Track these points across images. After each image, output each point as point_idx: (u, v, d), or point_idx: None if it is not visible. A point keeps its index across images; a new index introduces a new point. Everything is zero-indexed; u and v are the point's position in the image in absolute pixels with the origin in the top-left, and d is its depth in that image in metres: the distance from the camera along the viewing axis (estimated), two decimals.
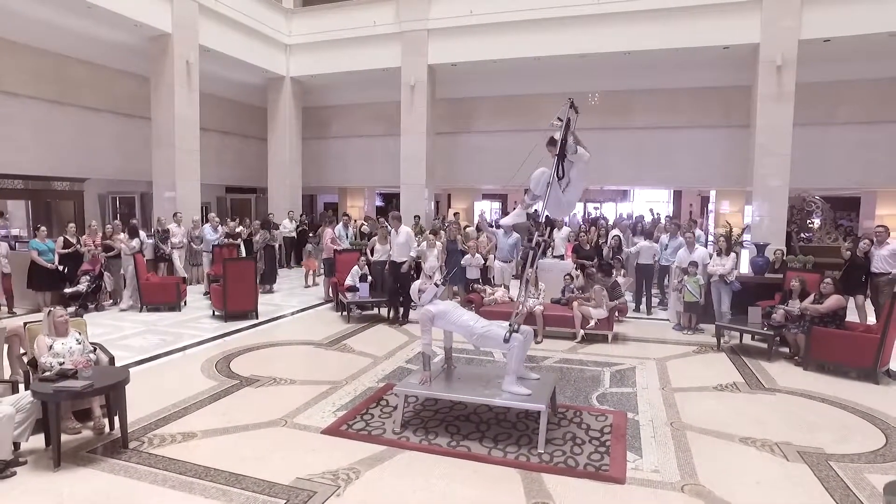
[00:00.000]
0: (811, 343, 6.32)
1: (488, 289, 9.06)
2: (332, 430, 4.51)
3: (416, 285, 5.11)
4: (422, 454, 4.12)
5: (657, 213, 19.93)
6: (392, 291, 8.85)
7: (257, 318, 8.59)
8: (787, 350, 6.83)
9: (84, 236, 9.75)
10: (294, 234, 14.52)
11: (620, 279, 8.67)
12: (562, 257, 10.45)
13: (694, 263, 8.06)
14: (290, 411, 4.90)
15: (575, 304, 7.89)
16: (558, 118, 4.55)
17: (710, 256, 8.33)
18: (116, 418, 4.25)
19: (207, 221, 11.69)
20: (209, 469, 3.81)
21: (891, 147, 13.65)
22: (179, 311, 9.19)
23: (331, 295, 10.09)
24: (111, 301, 9.59)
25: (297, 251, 14.82)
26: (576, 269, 9.37)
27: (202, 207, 13.27)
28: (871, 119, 13.65)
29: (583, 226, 14.83)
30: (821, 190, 15.53)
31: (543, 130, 15.67)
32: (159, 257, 10.66)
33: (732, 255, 8.01)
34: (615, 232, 10.92)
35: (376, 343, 7.46)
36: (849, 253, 8.11)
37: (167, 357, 6.64)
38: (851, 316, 7.14)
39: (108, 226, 9.99)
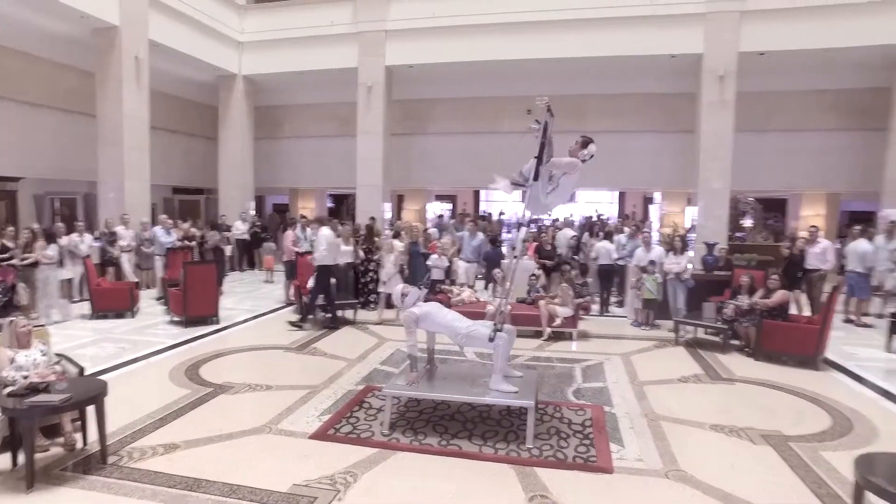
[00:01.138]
0: (761, 335, 6.79)
1: (455, 289, 9.20)
2: (321, 435, 4.49)
3: (398, 288, 5.15)
4: (415, 455, 4.18)
5: (601, 215, 20.71)
6: (325, 294, 8.41)
7: (218, 323, 8.36)
8: (738, 342, 7.30)
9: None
10: (247, 237, 14.14)
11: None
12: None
13: (653, 262, 8.47)
14: (272, 417, 4.83)
15: (542, 302, 8.11)
16: (536, 121, 4.70)
17: (666, 255, 8.77)
18: (87, 433, 4.07)
19: (157, 223, 11.24)
20: (200, 481, 3.72)
21: (814, 154, 14.74)
22: (133, 317, 8.81)
23: (293, 298, 9.93)
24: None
25: (251, 254, 14.46)
26: (538, 268, 9.62)
27: (151, 209, 12.73)
28: (798, 127, 14.66)
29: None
30: (754, 192, 16.59)
31: (502, 133, 16.01)
32: (107, 261, 10.16)
33: (687, 253, 8.47)
34: (573, 232, 11.27)
35: (346, 346, 7.42)
36: (787, 251, 8.74)
37: (130, 366, 6.36)
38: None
39: (27, 230, 8.86)
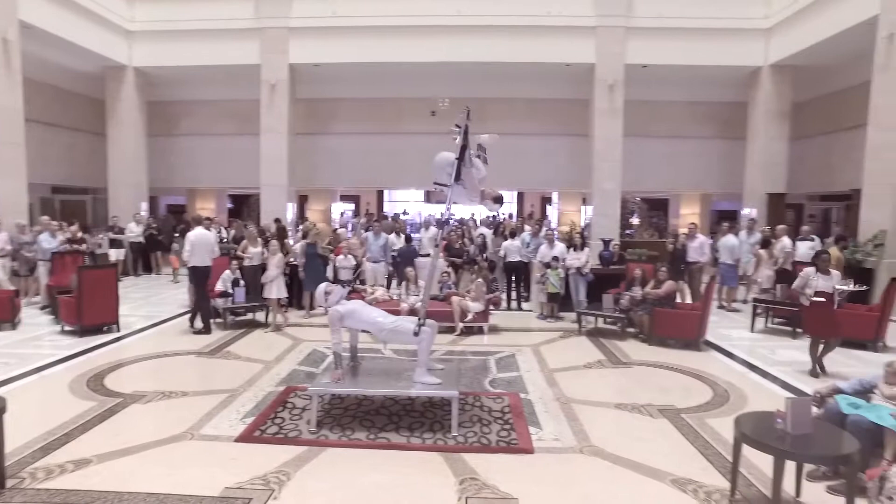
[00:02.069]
0: (653, 322, 7.53)
1: (368, 288, 9.28)
2: (246, 437, 4.45)
3: (321, 287, 5.20)
4: (345, 450, 4.27)
5: (502, 214, 21.50)
6: (197, 296, 8.16)
7: (119, 331, 7.84)
8: (633, 330, 8.03)
9: None
10: (142, 239, 13.23)
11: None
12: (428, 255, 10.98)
13: (556, 258, 9.06)
14: (192, 424, 4.70)
15: (454, 299, 8.41)
16: (457, 125, 4.95)
17: (568, 251, 9.41)
18: None
19: (35, 225, 10.25)
20: (122, 493, 3.56)
21: (691, 158, 16.44)
22: (14, 329, 8.02)
23: None
24: None
25: (146, 257, 13.55)
26: (448, 266, 9.92)
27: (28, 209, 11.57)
28: (677, 134, 16.29)
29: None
30: (640, 192, 18.10)
31: (405, 134, 16.24)
32: None
33: (587, 249, 9.15)
34: (481, 230, 11.73)
35: (261, 348, 7.28)
36: (671, 246, 9.72)
37: (20, 381, 5.83)
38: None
39: None
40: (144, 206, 14.67)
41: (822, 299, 6.12)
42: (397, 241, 10.81)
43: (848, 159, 13.34)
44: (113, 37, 13.39)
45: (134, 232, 13.03)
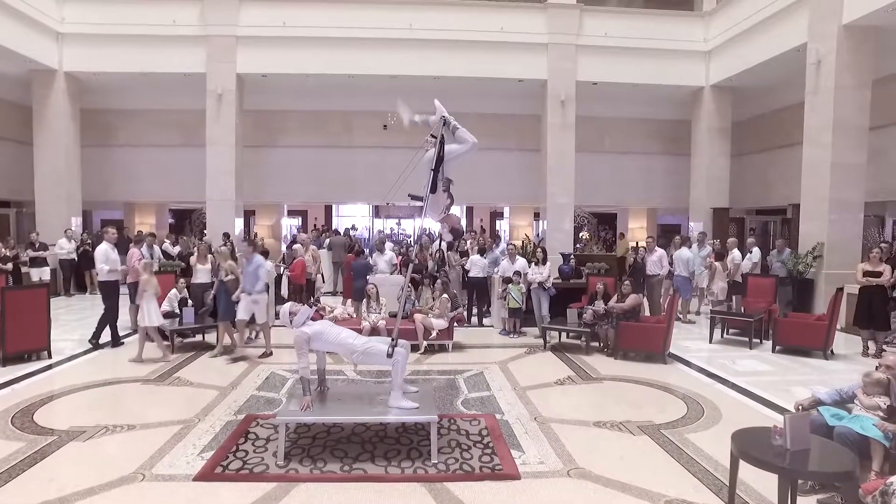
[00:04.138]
0: (619, 336, 7.53)
1: (327, 307, 8.90)
2: (207, 475, 4.04)
3: (286, 307, 4.86)
4: (318, 485, 3.93)
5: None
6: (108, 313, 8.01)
7: (50, 358, 7.13)
8: (597, 344, 8.01)
9: None
10: (74, 256, 12.26)
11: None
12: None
13: (517, 273, 8.97)
14: (143, 462, 4.23)
15: (416, 316, 8.16)
16: (432, 135, 4.79)
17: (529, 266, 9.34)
18: None
19: None
20: None
21: (638, 174, 16.93)
22: None
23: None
24: None
25: (79, 275, 12.56)
26: (408, 283, 9.65)
27: None
28: (624, 150, 16.75)
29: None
30: (590, 206, 18.43)
31: (355, 147, 15.91)
32: None
33: (548, 263, 9.11)
34: (438, 246, 11.51)
35: (214, 372, 6.78)
36: (632, 259, 9.85)
37: None
38: None
39: None
40: (77, 220, 13.63)
41: None
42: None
43: (783, 176, 14.09)
44: (40, 38, 12.38)
45: (65, 248, 12.05)
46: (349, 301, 9.58)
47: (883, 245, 9.61)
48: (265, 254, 8.70)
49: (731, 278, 9.82)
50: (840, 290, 8.00)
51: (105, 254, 7.90)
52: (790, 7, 11.30)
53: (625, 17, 14.47)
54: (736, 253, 10.07)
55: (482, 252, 10.36)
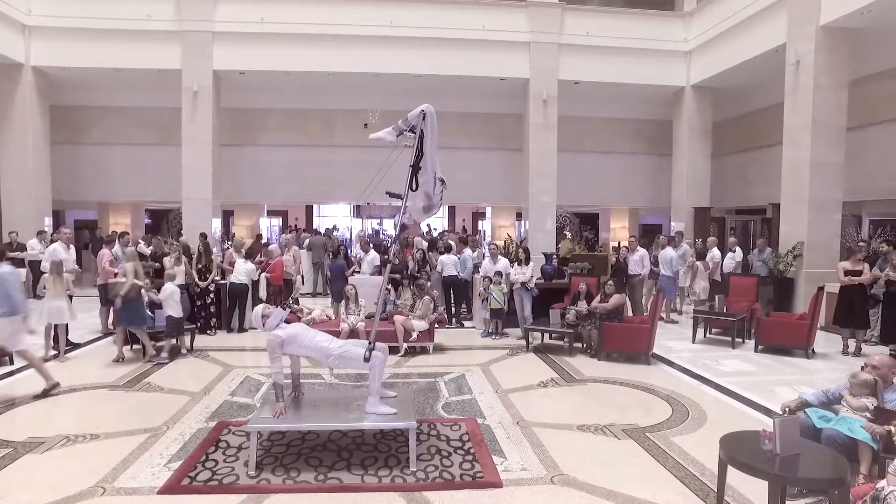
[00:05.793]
0: (602, 336, 7.44)
1: (305, 308, 8.69)
2: (173, 488, 3.82)
3: (258, 310, 4.66)
4: (291, 496, 3.75)
5: (434, 228, 21.31)
6: None
7: (12, 363, 6.81)
8: (580, 345, 7.91)
9: None
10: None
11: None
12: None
13: (499, 273, 8.84)
14: (105, 474, 4.00)
15: (397, 318, 7.99)
16: (412, 129, 4.63)
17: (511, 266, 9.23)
18: None
19: None
20: None
21: (620, 174, 16.95)
22: None
23: (111, 326, 8.55)
24: None
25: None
26: (389, 283, 9.47)
27: None
28: (606, 150, 16.75)
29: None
30: (572, 206, 18.42)
31: (335, 146, 15.62)
32: None
33: (531, 263, 8.99)
34: (419, 246, 11.38)
35: (186, 377, 6.54)
36: (615, 259, 9.78)
37: None
38: None
39: None
40: (48, 220, 13.20)
41: None
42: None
43: (762, 176, 14.19)
44: (5, 30, 11.85)
45: (35, 249, 11.61)
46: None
47: (861, 244, 9.68)
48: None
49: (711, 277, 9.81)
50: (821, 288, 8.01)
51: (53, 252, 7.85)
52: (769, 8, 11.36)
53: (606, 17, 14.42)
54: (716, 252, 10.06)
55: (448, 250, 10.29)
